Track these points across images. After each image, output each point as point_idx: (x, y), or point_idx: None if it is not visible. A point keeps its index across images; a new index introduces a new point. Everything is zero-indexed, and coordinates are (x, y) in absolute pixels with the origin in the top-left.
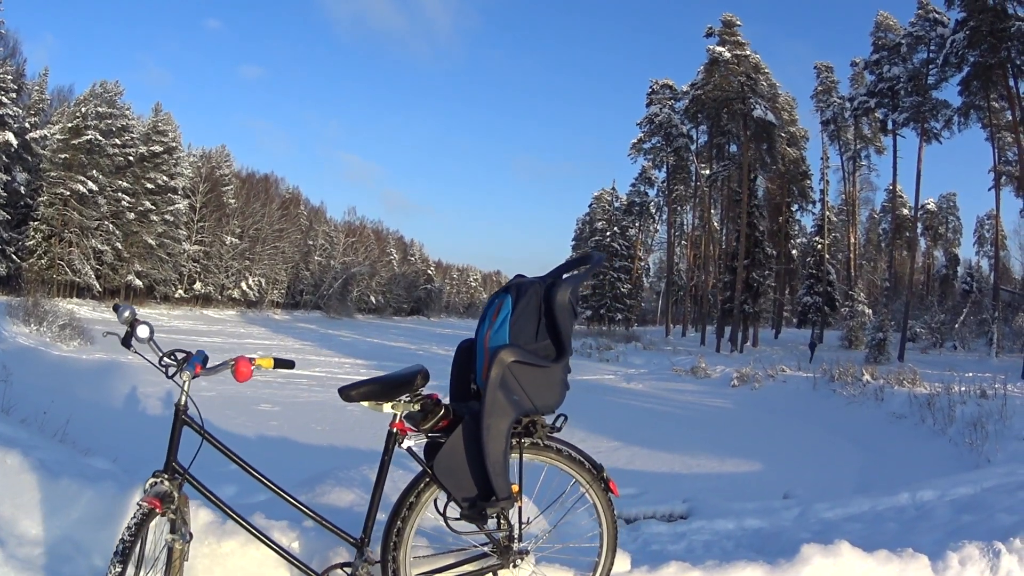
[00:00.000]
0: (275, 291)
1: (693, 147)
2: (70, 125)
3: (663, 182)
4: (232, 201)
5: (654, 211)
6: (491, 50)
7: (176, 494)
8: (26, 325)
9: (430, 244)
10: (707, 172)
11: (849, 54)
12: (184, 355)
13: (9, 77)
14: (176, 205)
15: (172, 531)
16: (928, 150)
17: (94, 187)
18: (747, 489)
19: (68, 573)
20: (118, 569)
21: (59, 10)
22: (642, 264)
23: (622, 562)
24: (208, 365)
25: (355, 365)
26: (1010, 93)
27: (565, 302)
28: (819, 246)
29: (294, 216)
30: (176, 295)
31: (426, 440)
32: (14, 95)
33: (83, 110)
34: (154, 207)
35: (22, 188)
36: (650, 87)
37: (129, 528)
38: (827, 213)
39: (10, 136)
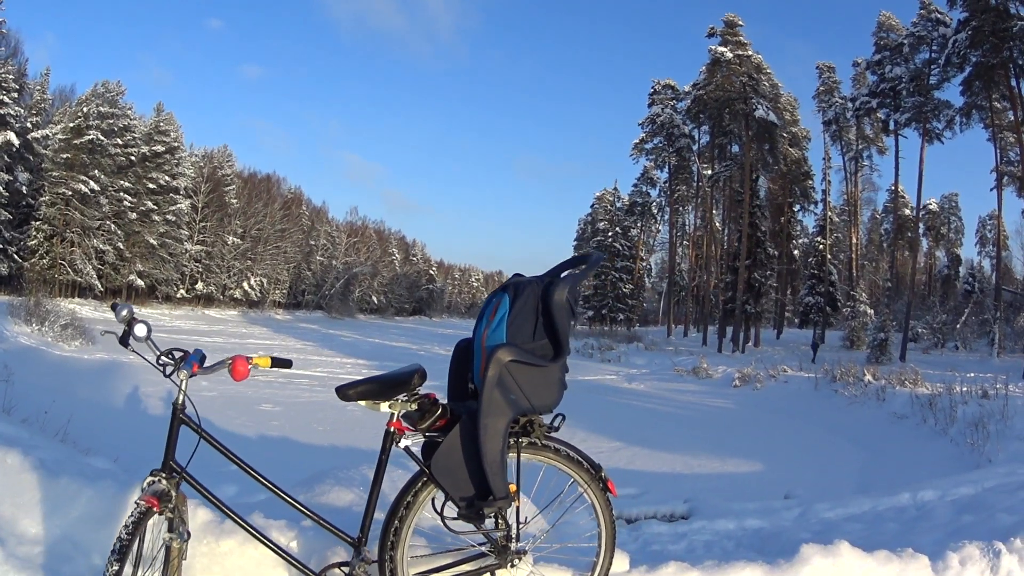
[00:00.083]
0: (277, 291)
1: (695, 147)
2: (72, 125)
3: (665, 182)
4: (234, 201)
5: (656, 211)
6: (492, 50)
7: (173, 493)
8: (28, 325)
9: (432, 244)
10: (709, 172)
11: (851, 54)
12: (181, 354)
13: (11, 77)
14: (178, 205)
15: (170, 530)
16: (930, 150)
17: (96, 187)
18: (748, 489)
19: (67, 572)
20: (115, 568)
21: (60, 10)
22: (644, 264)
23: (621, 562)
24: (205, 364)
25: (356, 365)
26: (1012, 93)
27: (563, 301)
28: (821, 246)
29: (296, 216)
30: (178, 295)
31: (424, 439)
32: (16, 95)
33: (85, 110)
34: (156, 207)
35: (24, 188)
36: (652, 87)
37: (126, 526)
38: (829, 213)
39: (12, 136)
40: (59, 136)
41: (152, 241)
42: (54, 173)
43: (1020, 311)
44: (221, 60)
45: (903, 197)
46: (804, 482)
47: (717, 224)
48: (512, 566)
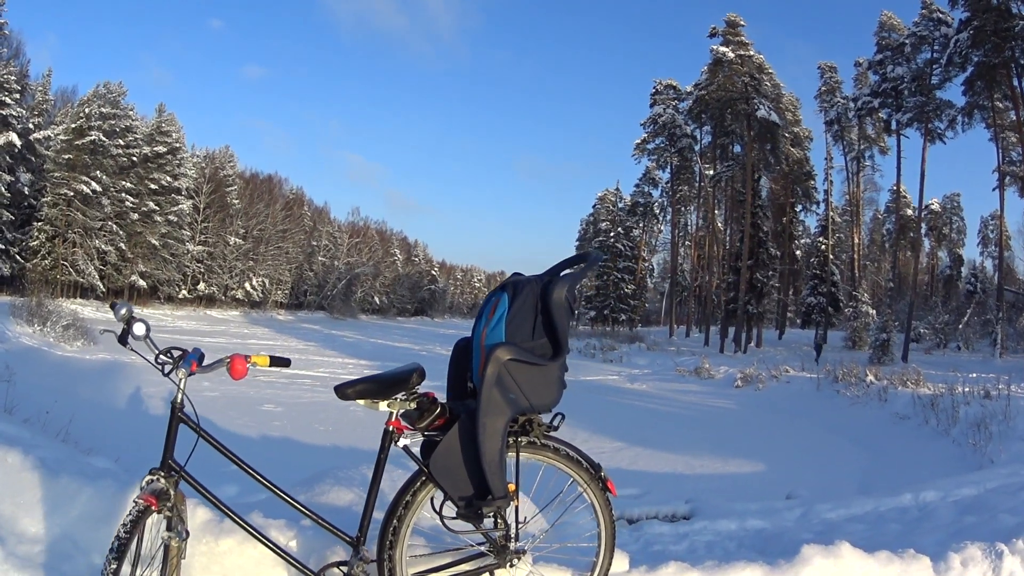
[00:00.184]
0: (279, 292)
1: (697, 147)
2: (74, 126)
3: (667, 182)
4: (236, 202)
5: (658, 211)
6: (493, 50)
7: (172, 492)
8: (29, 325)
9: (434, 244)
10: (711, 172)
11: (853, 54)
12: (180, 353)
13: (12, 78)
14: (180, 206)
15: (168, 529)
16: (932, 150)
17: (98, 188)
18: (750, 490)
19: (67, 571)
20: (114, 566)
21: (62, 11)
22: (646, 265)
23: (620, 562)
24: (204, 363)
25: (358, 365)
26: (1014, 93)
27: (562, 300)
28: (823, 246)
29: (298, 217)
30: (180, 296)
31: (422, 439)
32: (18, 96)
33: (87, 111)
34: (158, 208)
35: (26, 189)
36: (654, 87)
37: (125, 525)
38: (831, 213)
39: (14, 137)
40: (61, 137)
41: (154, 242)
42: (56, 174)
43: (1022, 311)
44: (222, 60)
45: (905, 197)
46: (806, 482)
47: (719, 224)
48: (511, 566)
